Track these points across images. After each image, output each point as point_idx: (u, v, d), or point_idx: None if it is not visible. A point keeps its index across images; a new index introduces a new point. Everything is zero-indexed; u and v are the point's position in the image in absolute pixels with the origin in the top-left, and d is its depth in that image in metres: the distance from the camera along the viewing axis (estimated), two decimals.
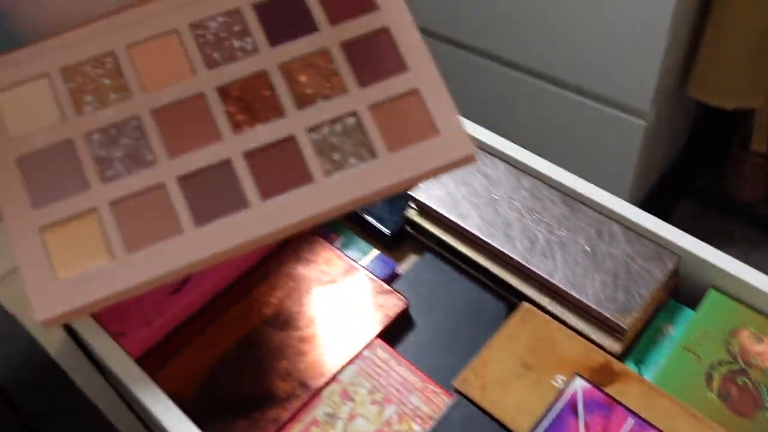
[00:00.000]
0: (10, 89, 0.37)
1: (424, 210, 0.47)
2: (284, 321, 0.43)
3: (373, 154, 0.38)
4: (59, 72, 0.37)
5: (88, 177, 0.36)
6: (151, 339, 0.43)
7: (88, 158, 0.36)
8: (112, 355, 0.38)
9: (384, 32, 0.39)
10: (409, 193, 0.48)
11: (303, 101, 0.38)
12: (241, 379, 0.40)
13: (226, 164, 0.37)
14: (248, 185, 0.37)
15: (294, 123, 0.38)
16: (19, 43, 0.37)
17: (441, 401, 0.39)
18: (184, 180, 0.37)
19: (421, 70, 0.39)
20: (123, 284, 0.35)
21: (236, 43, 0.39)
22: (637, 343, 0.42)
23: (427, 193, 0.47)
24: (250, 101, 0.38)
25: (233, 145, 0.37)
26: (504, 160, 0.49)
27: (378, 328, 0.43)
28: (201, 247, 0.36)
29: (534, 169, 0.48)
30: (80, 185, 0.36)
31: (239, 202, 0.37)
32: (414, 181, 0.38)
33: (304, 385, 0.40)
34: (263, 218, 0.36)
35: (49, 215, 0.35)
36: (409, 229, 0.49)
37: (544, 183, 0.47)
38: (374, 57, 0.39)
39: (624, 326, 0.40)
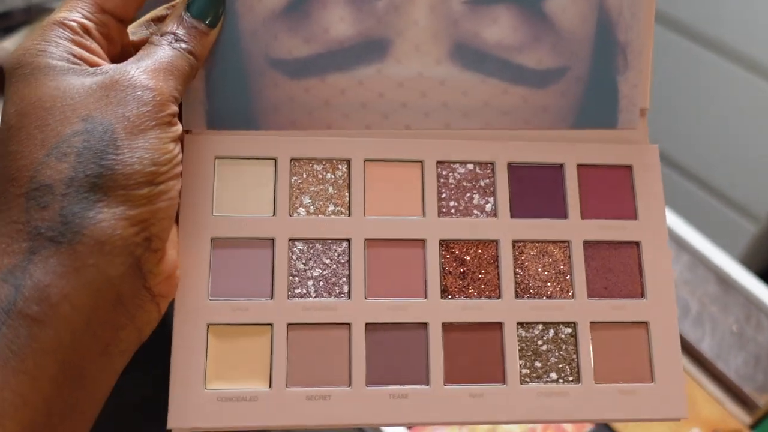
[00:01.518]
0: (232, 160, 0.33)
1: None
2: None
3: (576, 377, 0.33)
4: (288, 161, 0.34)
5: (275, 286, 0.32)
6: None
7: (284, 266, 0.32)
8: None
9: (633, 247, 0.35)
10: None
11: (524, 291, 0.34)
12: None
13: (420, 329, 0.33)
14: (435, 362, 0.32)
15: (507, 311, 0.33)
16: (256, 127, 0.34)
17: None
18: (372, 329, 0.32)
19: (659, 303, 0.34)
20: (266, 422, 0.31)
21: (477, 199, 0.35)
22: (765, 421, 0.46)
23: None
24: (470, 268, 0.34)
25: (435, 311, 0.33)
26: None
27: None
28: (362, 412, 0.31)
29: (693, 247, 0.53)
30: (264, 292, 0.32)
31: (419, 377, 0.32)
32: (607, 421, 0.33)
33: None
34: (437, 404, 0.32)
35: (222, 314, 0.32)
36: None
37: (701, 261, 0.52)
38: (614, 269, 0.34)
39: (759, 403, 0.43)
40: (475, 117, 0.35)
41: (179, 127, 0.29)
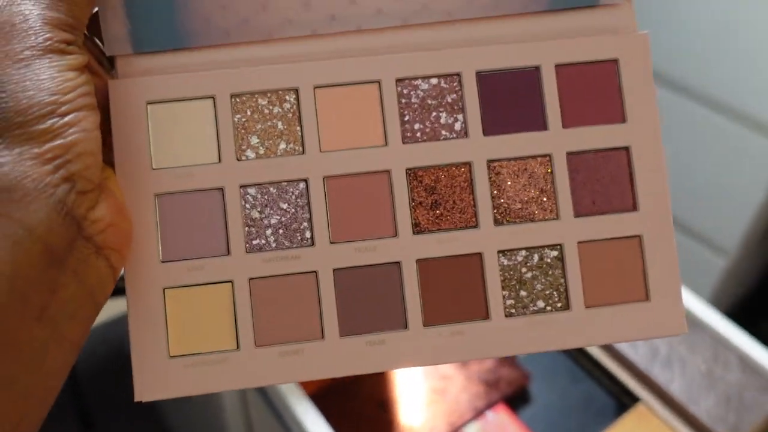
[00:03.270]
0: (166, 104, 0.30)
1: None
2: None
3: (566, 304, 0.31)
4: (228, 98, 0.30)
5: (231, 240, 0.30)
6: None
7: (237, 217, 0.30)
8: None
9: (623, 153, 0.31)
10: None
11: (504, 215, 0.31)
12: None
13: (393, 268, 0.30)
14: (412, 302, 0.30)
15: (486, 239, 0.31)
16: (187, 43, 0.29)
17: None
18: (342, 275, 0.30)
19: (653, 214, 0.31)
20: (238, 383, 0.29)
21: (444, 118, 0.31)
22: None
23: None
24: (442, 197, 0.31)
25: (408, 248, 0.30)
26: None
27: (501, 395, 0.52)
28: (338, 364, 0.30)
29: None
30: (220, 248, 0.30)
31: (396, 322, 0.30)
32: (600, 345, 0.31)
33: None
34: (417, 349, 0.30)
35: (178, 276, 0.29)
36: None
37: None
38: (602, 180, 0.31)
39: None
40: (436, 8, 0.30)
41: (79, 56, 0.25)
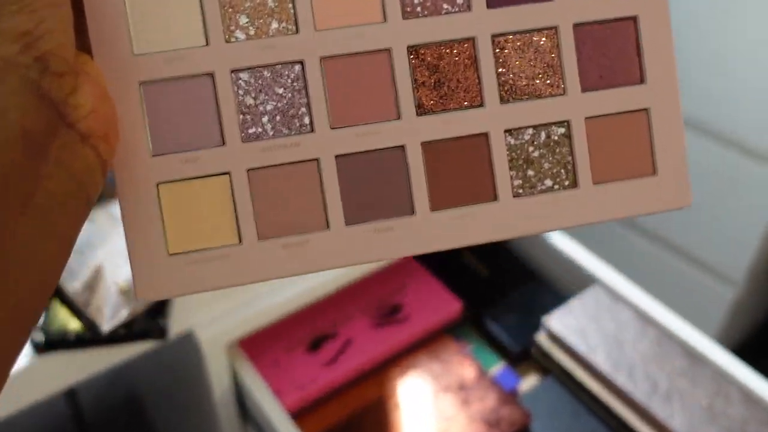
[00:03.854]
0: None
1: (555, 337, 0.52)
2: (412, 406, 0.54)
3: (573, 181, 0.30)
4: None
5: (225, 129, 0.28)
6: (302, 400, 0.61)
7: (230, 105, 0.28)
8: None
9: (630, 23, 0.30)
10: (542, 319, 0.55)
11: (509, 93, 0.30)
12: None
13: (397, 153, 0.29)
14: (418, 187, 0.29)
15: (492, 118, 0.29)
16: None
17: None
18: (344, 162, 0.29)
19: (661, 86, 0.30)
20: (243, 279, 0.28)
21: None
22: None
23: (560, 321, 0.52)
24: (445, 75, 0.29)
25: (411, 131, 0.29)
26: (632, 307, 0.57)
27: None
28: (345, 253, 0.29)
29: (659, 323, 0.53)
30: (214, 138, 0.28)
31: (403, 207, 0.29)
32: (607, 221, 0.31)
33: None
34: (426, 234, 0.29)
35: (171, 170, 0.27)
36: (535, 352, 0.56)
37: (667, 335, 0.52)
38: (609, 53, 0.30)
39: None
40: None
41: None
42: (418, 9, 0.29)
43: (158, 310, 0.68)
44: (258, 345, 0.73)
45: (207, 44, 0.27)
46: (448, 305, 0.74)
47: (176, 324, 0.69)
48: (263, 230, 0.28)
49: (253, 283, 0.28)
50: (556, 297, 0.74)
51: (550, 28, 0.30)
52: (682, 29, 1.04)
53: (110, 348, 0.66)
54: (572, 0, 0.29)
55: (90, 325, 0.66)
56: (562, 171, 0.30)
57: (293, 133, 0.28)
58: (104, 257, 0.68)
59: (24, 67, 0.21)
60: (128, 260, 0.27)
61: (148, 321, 0.67)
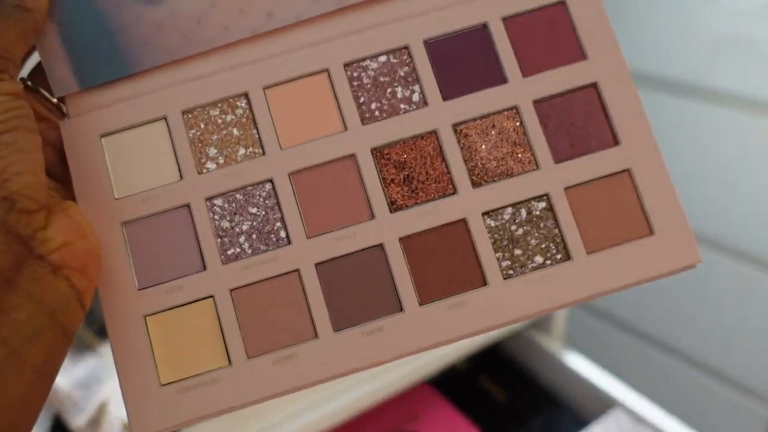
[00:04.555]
0: (119, 134, 0.29)
1: None
2: None
3: (566, 254, 0.29)
4: (180, 115, 0.29)
5: (205, 255, 0.29)
6: None
7: (207, 231, 0.29)
8: None
9: (591, 90, 0.30)
10: None
11: (481, 176, 0.29)
12: None
13: (376, 251, 0.29)
14: (403, 282, 0.28)
15: (467, 203, 0.29)
16: (131, 69, 0.29)
17: None
18: (325, 268, 0.29)
19: (638, 144, 0.29)
20: (237, 401, 0.28)
21: (400, 92, 0.30)
22: None
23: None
24: (413, 170, 0.29)
25: (387, 228, 0.29)
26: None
27: None
28: (337, 361, 0.28)
29: None
30: (195, 265, 0.29)
31: (391, 306, 0.28)
32: (612, 292, 0.29)
33: None
34: (418, 330, 0.28)
35: (156, 301, 0.28)
36: None
37: None
38: (576, 122, 0.30)
39: None
40: None
41: (11, 83, 0.25)
42: (377, 113, 0.30)
43: None
44: None
45: (181, 179, 0.29)
46: None
47: None
48: (251, 348, 0.28)
49: (247, 405, 0.28)
50: (577, 422, 0.71)
51: (510, 108, 0.30)
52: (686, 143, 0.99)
53: None
54: (527, 78, 0.30)
55: None
56: (552, 245, 0.29)
57: (271, 248, 0.29)
58: (110, 392, 0.68)
59: None
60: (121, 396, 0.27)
61: None
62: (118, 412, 0.66)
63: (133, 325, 0.28)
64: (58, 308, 0.24)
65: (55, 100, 0.29)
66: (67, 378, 0.67)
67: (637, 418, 0.58)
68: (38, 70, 0.30)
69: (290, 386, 0.28)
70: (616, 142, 0.30)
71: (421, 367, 0.74)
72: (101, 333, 0.69)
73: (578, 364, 0.75)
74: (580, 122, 0.30)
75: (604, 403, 0.68)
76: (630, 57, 0.31)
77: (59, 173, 0.29)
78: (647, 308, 1.02)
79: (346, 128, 0.30)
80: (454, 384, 0.80)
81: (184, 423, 0.27)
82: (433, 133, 0.30)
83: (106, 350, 0.68)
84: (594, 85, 0.30)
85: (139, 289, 0.28)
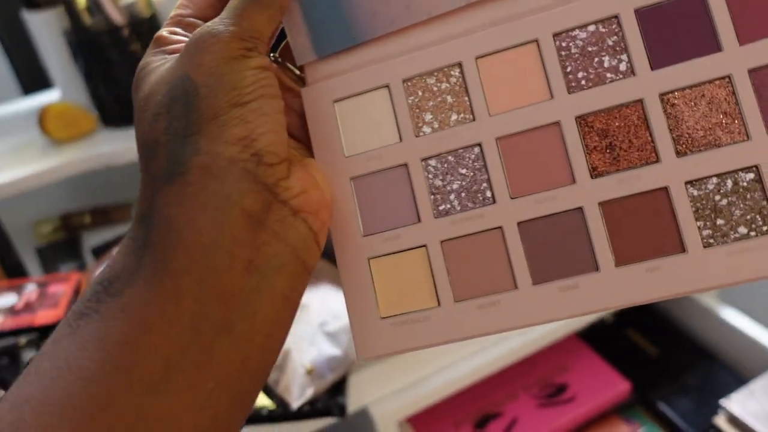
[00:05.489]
0: (349, 99, 0.34)
1: (737, 422, 0.47)
2: None
3: None
4: (401, 84, 0.33)
5: (420, 209, 0.32)
6: None
7: (422, 188, 0.33)
8: None
9: None
10: (720, 402, 0.52)
11: (686, 146, 0.30)
12: None
13: (576, 214, 0.31)
14: (600, 244, 0.30)
15: (670, 172, 0.30)
16: (361, 38, 0.33)
17: None
18: (525, 227, 0.31)
19: None
20: (445, 337, 0.32)
21: (607, 61, 0.31)
22: None
23: (741, 405, 0.47)
24: (616, 138, 0.31)
25: (588, 192, 0.31)
26: None
27: None
28: (535, 311, 0.31)
29: None
30: (411, 217, 0.33)
31: (587, 264, 0.31)
32: None
33: None
34: (613, 289, 0.30)
35: (378, 246, 0.33)
36: None
37: None
38: None
39: None
40: None
41: (259, 58, 0.30)
42: (583, 82, 0.31)
43: (338, 389, 0.76)
44: (427, 422, 0.75)
45: (401, 141, 0.33)
46: (616, 386, 0.70)
47: (353, 402, 0.77)
48: (459, 293, 0.32)
49: (453, 342, 0.32)
50: (735, 378, 0.67)
51: (723, 78, 0.30)
52: None
53: (297, 423, 0.74)
54: (743, 47, 0.29)
55: (281, 402, 0.74)
56: (758, 217, 0.29)
57: (477, 206, 0.32)
58: (291, 342, 0.77)
59: (243, 162, 0.28)
60: (349, 323, 0.33)
61: (330, 399, 0.74)
62: (299, 358, 0.75)
63: (359, 265, 0.33)
64: (298, 245, 0.29)
65: (297, 72, 0.34)
66: None
67: None
68: (285, 47, 0.35)
69: (492, 329, 0.31)
70: None
71: (571, 321, 0.75)
72: None
73: (736, 319, 0.71)
74: None
75: (765, 361, 0.64)
76: None
77: (302, 136, 0.34)
78: None
79: (552, 97, 0.31)
80: (602, 337, 0.80)
81: (397, 352, 0.32)
82: (639, 102, 0.31)
83: None
84: None
85: (364, 236, 0.33)
